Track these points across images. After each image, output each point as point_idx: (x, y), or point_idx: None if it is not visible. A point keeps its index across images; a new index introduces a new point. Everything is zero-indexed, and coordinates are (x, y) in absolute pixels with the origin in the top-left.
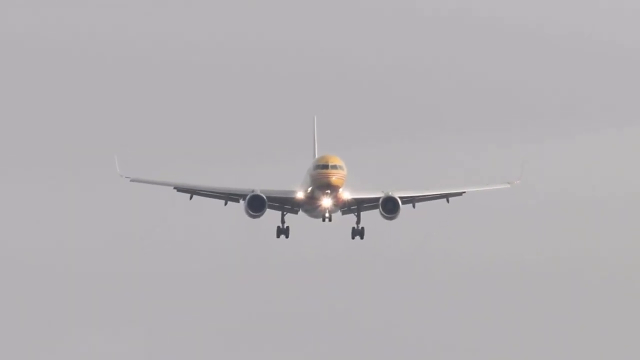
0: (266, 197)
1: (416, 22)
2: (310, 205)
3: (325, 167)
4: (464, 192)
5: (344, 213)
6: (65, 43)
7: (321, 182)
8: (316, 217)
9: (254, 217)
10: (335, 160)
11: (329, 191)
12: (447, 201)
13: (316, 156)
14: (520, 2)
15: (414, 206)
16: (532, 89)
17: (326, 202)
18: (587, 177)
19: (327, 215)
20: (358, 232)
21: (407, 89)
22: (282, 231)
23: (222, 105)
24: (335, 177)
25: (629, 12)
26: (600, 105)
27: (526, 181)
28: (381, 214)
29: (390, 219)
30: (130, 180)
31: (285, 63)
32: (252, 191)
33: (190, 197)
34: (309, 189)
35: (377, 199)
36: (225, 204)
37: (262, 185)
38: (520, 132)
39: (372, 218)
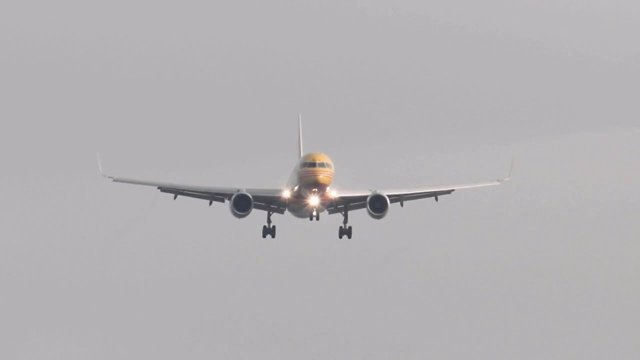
0: (252, 196)
1: (404, 23)
2: (297, 204)
3: (313, 165)
4: (453, 190)
5: (330, 212)
6: (48, 43)
7: (308, 180)
8: (303, 216)
9: (240, 216)
10: (322, 158)
11: (316, 189)
12: (436, 199)
13: (301, 155)
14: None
15: (401, 204)
16: (519, 90)
17: (313, 200)
18: (576, 176)
19: (314, 213)
20: (345, 232)
21: (393, 87)
22: (269, 231)
23: (205, 104)
24: (322, 175)
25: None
26: (589, 106)
27: (516, 179)
28: (369, 212)
29: (378, 217)
30: (113, 180)
31: (268, 61)
32: (238, 190)
33: (175, 197)
34: (296, 187)
35: (364, 197)
36: (210, 204)
37: (247, 184)
38: (509, 130)
39: (359, 217)
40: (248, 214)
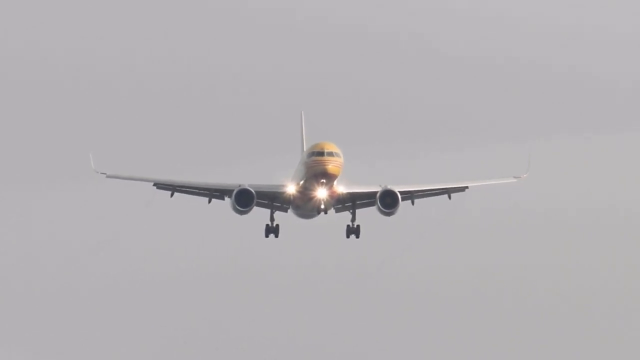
0: (255, 192)
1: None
2: (302, 200)
3: (321, 154)
4: (467, 187)
5: (337, 211)
6: (39, 41)
7: (316, 170)
8: (308, 215)
9: (241, 212)
10: (331, 147)
11: (324, 180)
12: (449, 197)
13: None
14: None
15: (412, 203)
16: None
17: (321, 193)
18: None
19: (322, 207)
20: (353, 231)
21: (404, 83)
22: (272, 230)
23: (206, 100)
24: (331, 164)
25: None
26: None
27: (534, 176)
28: (379, 209)
29: (389, 214)
30: (107, 177)
31: (270, 57)
32: (240, 186)
33: (171, 195)
34: (302, 180)
35: (374, 194)
36: (209, 201)
37: (248, 182)
38: (526, 128)
39: (368, 215)
40: (250, 210)
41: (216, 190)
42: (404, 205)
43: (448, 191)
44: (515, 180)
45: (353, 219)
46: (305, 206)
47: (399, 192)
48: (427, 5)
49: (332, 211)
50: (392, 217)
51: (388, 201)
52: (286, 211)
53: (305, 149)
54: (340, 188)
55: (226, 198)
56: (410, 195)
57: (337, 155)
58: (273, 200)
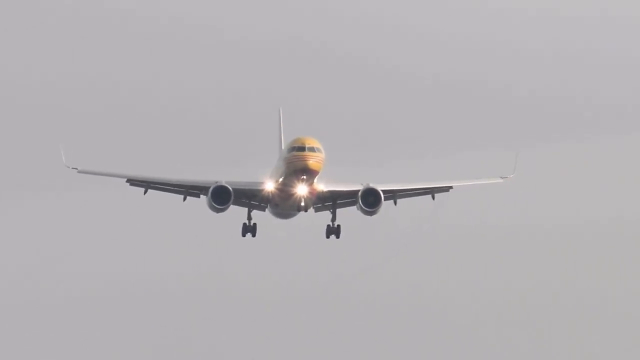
0: (232, 189)
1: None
2: (282, 197)
3: (302, 149)
4: (452, 187)
5: (317, 210)
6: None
7: (297, 166)
8: (286, 215)
9: (218, 210)
10: (312, 142)
11: (305, 176)
12: (433, 197)
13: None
14: None
15: (395, 203)
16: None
17: (301, 189)
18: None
19: (302, 204)
20: (333, 231)
21: (390, 81)
22: (249, 229)
23: (181, 96)
24: (313, 160)
25: None
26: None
27: (520, 176)
28: (360, 208)
29: (370, 214)
30: (78, 172)
31: (247, 50)
32: (216, 182)
33: (145, 192)
34: (281, 177)
35: (355, 192)
36: (184, 199)
37: (224, 179)
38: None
39: (349, 215)
40: (227, 207)
41: (192, 187)
42: (385, 206)
43: (432, 191)
44: (501, 180)
45: (333, 219)
46: (284, 204)
47: (382, 190)
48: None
49: (311, 211)
50: (373, 216)
51: (370, 200)
52: (264, 210)
53: (283, 146)
54: (321, 186)
55: (202, 196)
56: (393, 195)
57: (319, 150)
58: (251, 198)
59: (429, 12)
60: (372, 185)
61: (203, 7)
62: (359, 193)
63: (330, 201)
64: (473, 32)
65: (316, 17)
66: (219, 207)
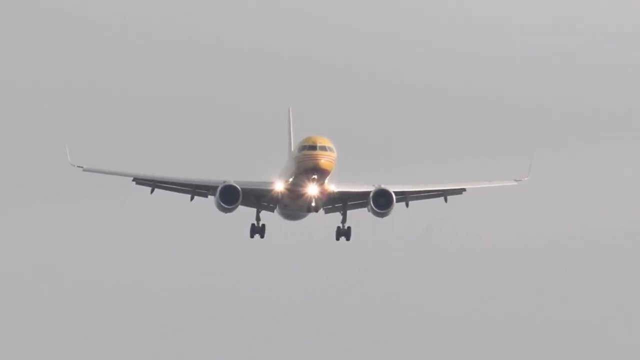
0: (241, 189)
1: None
2: (291, 198)
3: (313, 147)
4: (465, 190)
5: (327, 211)
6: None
7: (308, 165)
8: (295, 216)
9: (226, 210)
10: (324, 141)
11: (316, 176)
12: (445, 200)
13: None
14: None
15: (407, 205)
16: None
17: (312, 189)
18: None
19: (312, 204)
20: (344, 233)
21: (398, 83)
22: (257, 230)
23: (190, 94)
24: (324, 159)
25: None
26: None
27: (535, 179)
28: (372, 209)
29: (382, 215)
30: (84, 170)
31: (260, 52)
32: (224, 182)
33: (152, 191)
34: (292, 177)
35: (366, 194)
36: (192, 199)
37: (233, 179)
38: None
39: (360, 217)
40: (235, 207)
41: (199, 186)
42: (397, 208)
43: (445, 193)
44: (516, 183)
45: (344, 220)
46: (294, 204)
47: (394, 192)
48: None
49: (321, 212)
50: (385, 218)
51: (382, 201)
52: (273, 211)
53: (293, 146)
54: (332, 186)
55: (209, 196)
56: (404, 197)
57: (330, 149)
58: (260, 198)
59: (444, 25)
60: (383, 186)
61: (213, 14)
62: (370, 194)
63: (341, 202)
64: (482, 43)
65: (328, 29)
66: (227, 207)
